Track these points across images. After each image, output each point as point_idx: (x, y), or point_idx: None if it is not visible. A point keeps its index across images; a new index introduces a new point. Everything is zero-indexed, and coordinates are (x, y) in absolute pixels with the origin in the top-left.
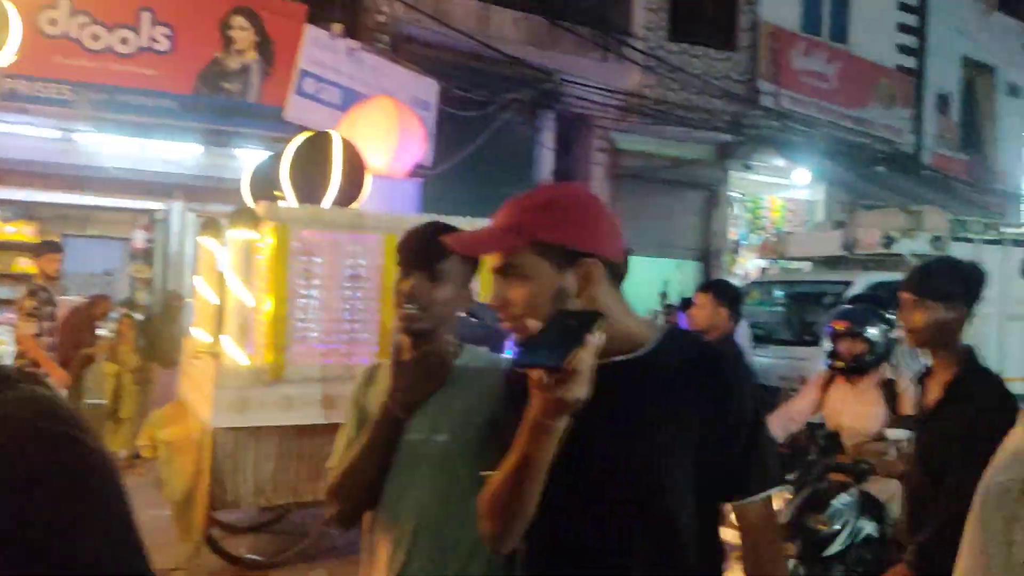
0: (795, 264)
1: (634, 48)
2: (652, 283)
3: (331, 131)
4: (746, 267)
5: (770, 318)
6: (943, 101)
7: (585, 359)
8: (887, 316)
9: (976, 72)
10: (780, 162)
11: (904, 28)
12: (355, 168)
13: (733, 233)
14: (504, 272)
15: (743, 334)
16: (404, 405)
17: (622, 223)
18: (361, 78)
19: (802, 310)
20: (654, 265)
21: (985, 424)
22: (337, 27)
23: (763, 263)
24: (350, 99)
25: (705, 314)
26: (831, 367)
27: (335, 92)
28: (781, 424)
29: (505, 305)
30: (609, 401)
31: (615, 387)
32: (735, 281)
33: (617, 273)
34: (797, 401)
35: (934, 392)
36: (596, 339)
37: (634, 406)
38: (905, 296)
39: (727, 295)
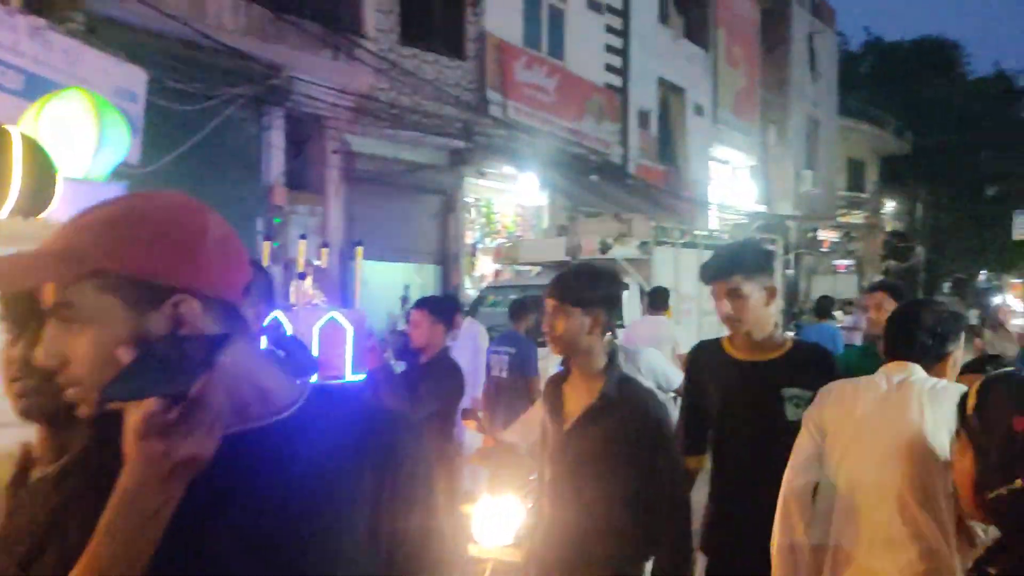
0: (526, 268)
1: (366, 49)
2: (394, 288)
3: (9, 126)
4: (482, 271)
5: (504, 320)
6: (644, 117)
7: (216, 390)
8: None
9: (670, 92)
10: (509, 169)
11: (611, 49)
12: (42, 170)
13: (469, 237)
14: (57, 315)
15: (477, 336)
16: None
17: (362, 227)
18: (50, 62)
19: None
20: (394, 270)
21: (636, 428)
22: (16, 0)
23: (497, 267)
24: (36, 87)
25: (421, 332)
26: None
27: (16, 77)
28: (521, 430)
29: (59, 363)
30: (229, 485)
31: (238, 465)
32: (471, 285)
33: (235, 313)
34: (535, 408)
35: (576, 397)
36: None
37: (266, 490)
38: (547, 302)
39: (442, 311)
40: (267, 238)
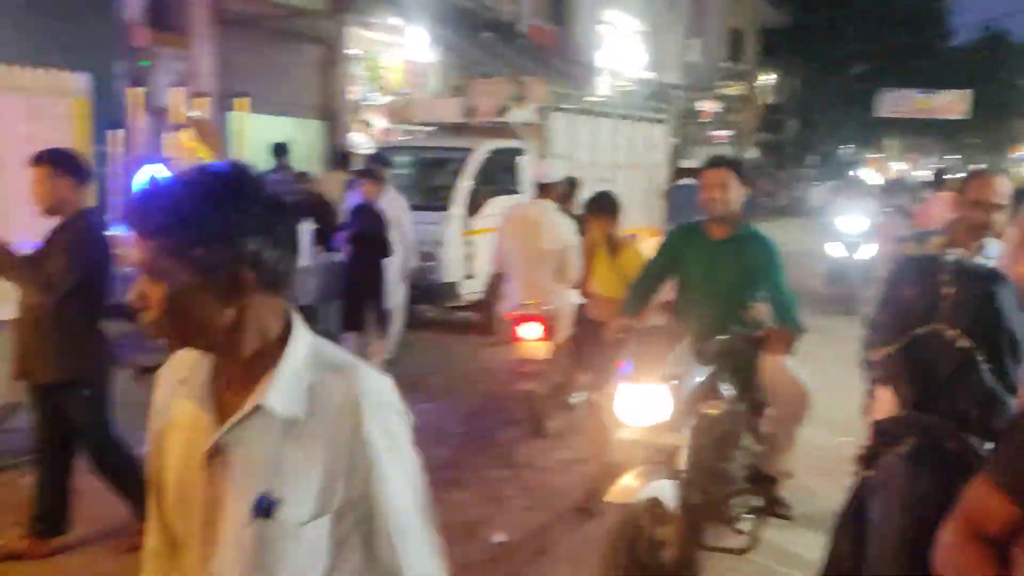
0: (415, 128)
1: None
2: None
3: None
4: (371, 128)
5: (399, 183)
6: None
7: None
8: None
9: None
10: (396, 21)
11: None
12: None
13: (353, 92)
14: None
15: (395, 202)
16: None
17: (236, 77)
18: None
19: (429, 175)
20: (273, 123)
21: None
22: None
23: (389, 125)
24: None
25: (44, 190)
26: None
27: None
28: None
29: None
30: None
31: None
32: (362, 142)
33: None
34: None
35: None
36: None
37: None
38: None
39: (68, 163)
40: (133, 84)
